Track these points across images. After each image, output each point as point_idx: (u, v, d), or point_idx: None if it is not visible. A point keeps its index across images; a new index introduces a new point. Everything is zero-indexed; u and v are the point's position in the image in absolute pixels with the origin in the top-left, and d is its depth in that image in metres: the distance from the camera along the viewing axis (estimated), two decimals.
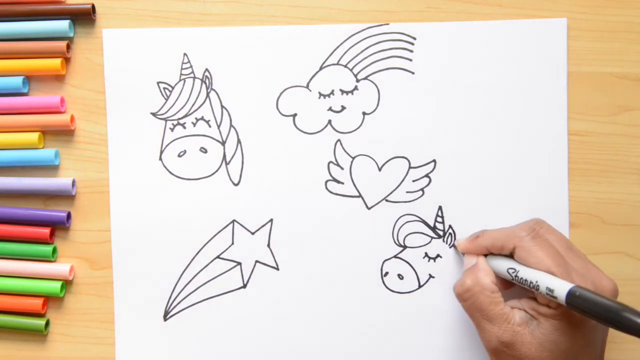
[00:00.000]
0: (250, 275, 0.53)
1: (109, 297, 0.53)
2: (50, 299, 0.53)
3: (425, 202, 0.52)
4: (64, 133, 0.53)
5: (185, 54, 0.52)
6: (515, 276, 0.45)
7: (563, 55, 0.52)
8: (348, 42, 0.52)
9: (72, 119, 0.53)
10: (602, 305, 0.38)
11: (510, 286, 0.48)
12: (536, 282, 0.43)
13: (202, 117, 0.53)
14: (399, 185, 0.52)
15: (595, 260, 0.51)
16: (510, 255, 0.46)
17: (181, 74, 0.52)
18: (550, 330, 0.43)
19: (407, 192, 0.52)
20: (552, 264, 0.43)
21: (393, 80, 0.52)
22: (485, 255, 0.48)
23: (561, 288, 0.41)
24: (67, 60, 0.53)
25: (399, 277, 0.52)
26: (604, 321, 0.38)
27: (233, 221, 0.53)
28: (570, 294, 0.40)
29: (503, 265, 0.46)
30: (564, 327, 0.43)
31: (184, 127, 0.53)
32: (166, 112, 0.53)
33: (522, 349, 0.43)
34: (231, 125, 0.53)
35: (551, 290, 0.41)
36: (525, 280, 0.44)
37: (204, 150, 0.53)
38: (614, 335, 0.52)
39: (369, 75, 0.52)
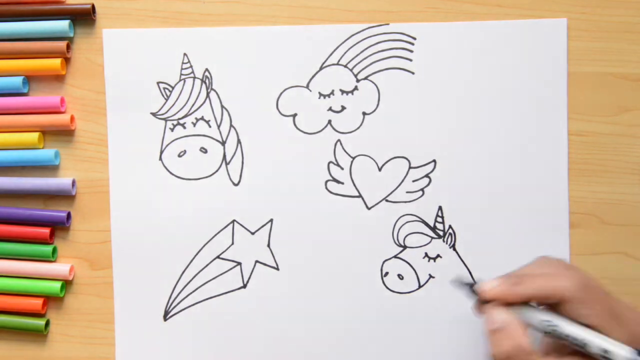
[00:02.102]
0: (250, 275, 0.53)
1: (109, 297, 0.53)
2: (50, 299, 0.53)
3: (425, 202, 0.52)
4: (64, 133, 0.53)
5: (185, 54, 0.52)
6: (553, 330, 0.39)
7: (563, 56, 0.52)
8: (348, 42, 0.52)
9: (72, 119, 0.53)
10: None
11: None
12: (583, 340, 0.38)
13: (202, 117, 0.53)
14: (399, 186, 0.52)
15: (595, 260, 0.51)
16: (550, 306, 0.41)
17: (181, 74, 0.52)
18: None
19: (407, 192, 0.52)
20: (605, 317, 0.38)
21: (393, 81, 0.52)
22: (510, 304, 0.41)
23: (619, 353, 0.37)
24: (67, 60, 0.53)
25: (399, 277, 0.52)
26: None
27: (233, 221, 0.53)
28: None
29: (534, 318, 0.40)
30: None
31: (184, 127, 0.53)
32: (166, 112, 0.53)
33: None
34: (231, 125, 0.53)
35: (606, 352, 0.37)
36: (568, 335, 0.39)
37: (204, 150, 0.53)
38: None
39: (369, 76, 0.52)
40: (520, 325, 0.39)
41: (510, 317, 0.39)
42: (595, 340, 0.38)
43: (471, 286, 0.41)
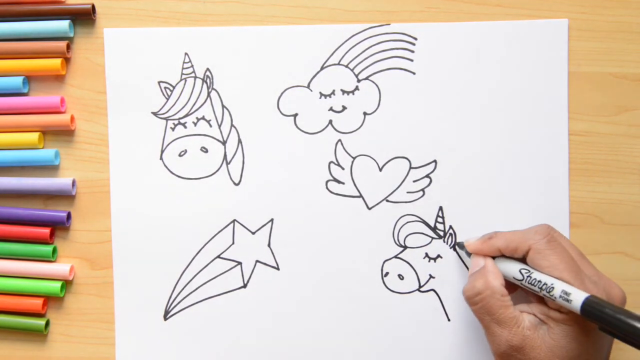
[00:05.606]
0: (250, 275, 0.53)
1: (109, 297, 0.53)
2: (50, 299, 0.53)
3: (425, 202, 0.52)
4: (64, 133, 0.53)
5: (186, 54, 0.52)
6: (528, 277, 0.44)
7: (564, 56, 0.52)
8: (349, 42, 0.52)
9: (72, 119, 0.53)
10: (619, 319, 0.38)
11: (513, 290, 0.48)
12: (551, 284, 0.42)
13: (203, 116, 0.53)
14: (399, 186, 0.52)
15: (595, 260, 0.51)
16: (522, 259, 0.46)
17: (182, 74, 0.52)
18: (560, 335, 0.42)
19: (408, 192, 0.52)
20: (565, 269, 0.43)
21: (394, 81, 0.52)
22: (494, 258, 0.48)
23: (577, 295, 0.40)
24: (67, 60, 0.53)
25: (399, 277, 0.52)
26: (620, 335, 0.38)
27: (233, 221, 0.53)
28: (586, 304, 0.40)
29: (513, 267, 0.45)
30: (575, 333, 0.42)
31: (185, 127, 0.53)
32: (167, 112, 0.53)
33: (531, 353, 0.43)
34: (232, 125, 0.53)
35: (567, 294, 0.41)
36: (539, 281, 0.43)
37: (204, 149, 0.53)
38: None
39: (370, 76, 0.52)
40: (494, 271, 0.46)
41: (488, 262, 0.47)
42: (557, 283, 0.42)
43: (460, 244, 0.51)
